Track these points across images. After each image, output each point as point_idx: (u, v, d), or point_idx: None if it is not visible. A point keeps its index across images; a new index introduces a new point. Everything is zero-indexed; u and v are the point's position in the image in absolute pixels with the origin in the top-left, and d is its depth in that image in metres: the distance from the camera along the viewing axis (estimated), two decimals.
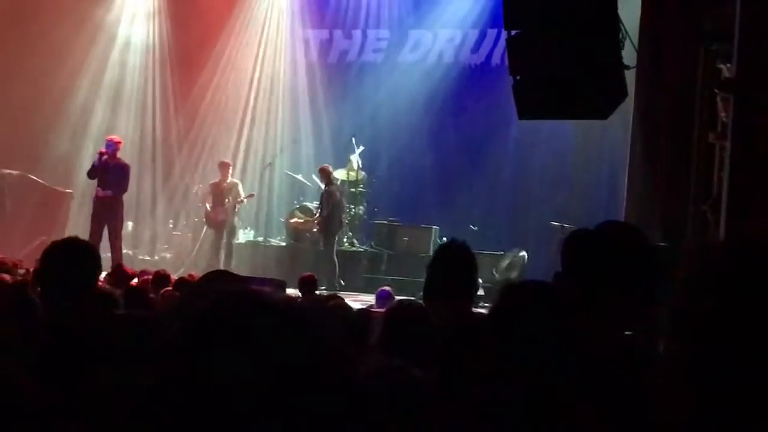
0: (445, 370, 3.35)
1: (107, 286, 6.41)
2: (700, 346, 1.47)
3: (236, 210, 18.22)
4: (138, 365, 1.63)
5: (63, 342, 3.14)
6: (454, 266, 4.76)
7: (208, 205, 18.20)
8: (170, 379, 1.34)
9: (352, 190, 18.65)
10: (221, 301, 1.41)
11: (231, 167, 18.70)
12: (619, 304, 2.93)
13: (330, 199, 17.17)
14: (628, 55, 10.91)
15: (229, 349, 1.33)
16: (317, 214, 17.86)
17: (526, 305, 2.58)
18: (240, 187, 18.32)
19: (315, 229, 17.93)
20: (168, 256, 19.55)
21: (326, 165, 17.90)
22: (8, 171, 18.30)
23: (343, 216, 17.81)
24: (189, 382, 1.32)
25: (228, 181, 18.23)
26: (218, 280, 4.46)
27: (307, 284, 9.20)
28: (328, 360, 1.38)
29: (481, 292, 15.64)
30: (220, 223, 17.96)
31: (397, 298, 9.82)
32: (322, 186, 17.70)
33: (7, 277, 7.01)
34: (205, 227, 18.50)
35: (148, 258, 19.21)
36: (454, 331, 3.63)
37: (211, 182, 18.49)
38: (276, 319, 1.38)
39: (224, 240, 18.07)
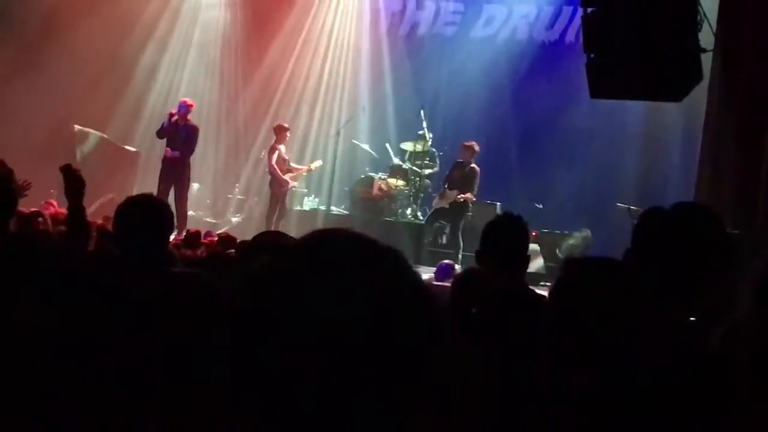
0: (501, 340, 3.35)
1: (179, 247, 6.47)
2: None
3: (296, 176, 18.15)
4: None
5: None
6: (505, 238, 4.79)
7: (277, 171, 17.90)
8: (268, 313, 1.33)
9: (418, 162, 18.58)
10: (319, 235, 1.41)
11: (288, 131, 18.40)
12: (689, 288, 2.88)
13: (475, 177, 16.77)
14: (706, 38, 10.76)
15: (328, 280, 1.32)
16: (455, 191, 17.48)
17: (593, 280, 2.55)
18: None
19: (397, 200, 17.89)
20: (234, 219, 19.68)
21: (472, 142, 17.22)
22: (79, 128, 18.50)
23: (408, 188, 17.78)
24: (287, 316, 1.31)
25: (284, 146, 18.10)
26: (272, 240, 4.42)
27: None
28: (423, 296, 1.37)
29: (543, 271, 15.67)
30: (286, 189, 17.88)
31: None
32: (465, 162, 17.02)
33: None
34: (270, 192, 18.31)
35: (213, 220, 19.35)
36: (509, 297, 3.64)
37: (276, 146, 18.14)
38: (373, 252, 1.37)
39: (285, 206, 18.00)
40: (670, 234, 2.98)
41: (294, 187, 18.16)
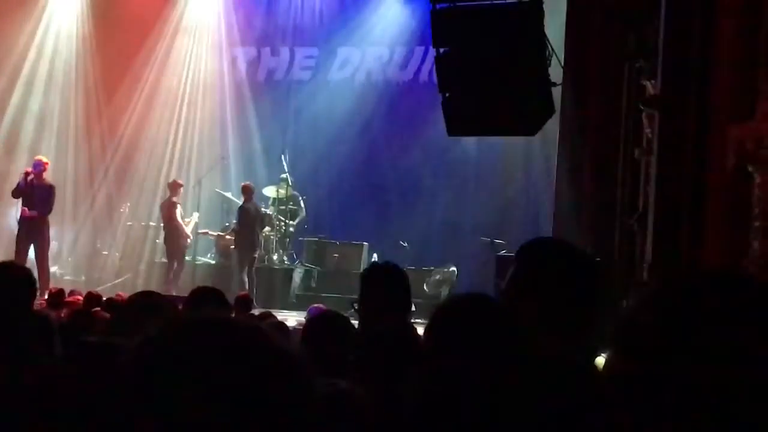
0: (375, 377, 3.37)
1: (44, 309, 6.34)
2: (643, 363, 1.48)
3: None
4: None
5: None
6: (385, 285, 4.87)
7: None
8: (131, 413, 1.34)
9: (282, 207, 18.60)
10: (171, 330, 1.41)
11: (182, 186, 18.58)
12: (562, 317, 2.92)
13: (242, 216, 17.17)
14: (555, 72, 11.06)
15: (186, 380, 1.32)
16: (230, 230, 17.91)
17: (467, 319, 2.57)
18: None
19: (232, 246, 17.87)
20: (96, 275, 19.29)
21: (248, 183, 17.82)
22: None
23: (262, 235, 17.74)
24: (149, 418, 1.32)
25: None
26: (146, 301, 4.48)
27: (242, 304, 9.16)
28: (290, 377, 1.39)
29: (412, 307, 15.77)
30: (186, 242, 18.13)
31: None
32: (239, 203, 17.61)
33: None
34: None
35: (75, 279, 18.92)
36: (388, 335, 3.68)
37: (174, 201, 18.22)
38: (233, 340, 1.39)
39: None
40: (544, 265, 3.00)
41: (190, 239, 18.08)
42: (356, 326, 5.05)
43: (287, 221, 18.61)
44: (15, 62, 20.30)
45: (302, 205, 18.89)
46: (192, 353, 1.35)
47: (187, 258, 18.85)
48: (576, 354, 2.79)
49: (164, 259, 18.59)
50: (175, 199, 17.98)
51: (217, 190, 19.58)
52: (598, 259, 10.14)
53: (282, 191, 18.58)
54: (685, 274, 1.68)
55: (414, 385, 2.32)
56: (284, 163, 18.70)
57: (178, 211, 17.99)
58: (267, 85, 21.22)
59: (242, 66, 21.29)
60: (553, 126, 12.21)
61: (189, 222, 18.35)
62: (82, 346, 3.31)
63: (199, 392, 1.31)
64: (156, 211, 19.28)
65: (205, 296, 5.38)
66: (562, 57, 11.65)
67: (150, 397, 1.32)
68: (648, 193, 9.78)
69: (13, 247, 15.76)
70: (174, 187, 18.22)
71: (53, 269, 17.35)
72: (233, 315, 7.10)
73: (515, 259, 3.09)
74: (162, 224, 18.26)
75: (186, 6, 21.31)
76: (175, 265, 17.78)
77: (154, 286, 15.15)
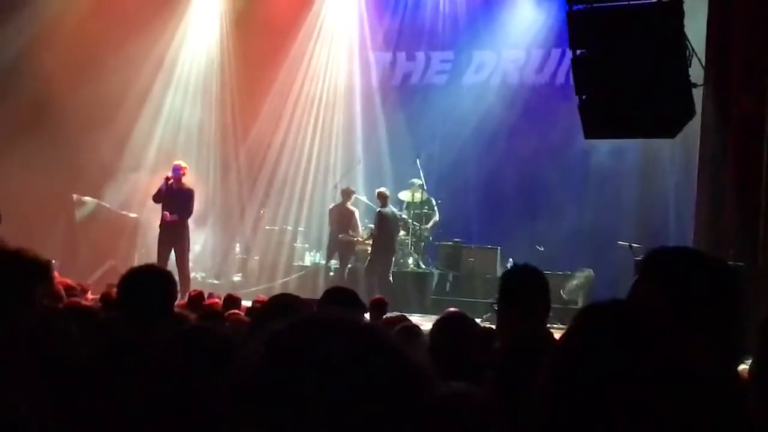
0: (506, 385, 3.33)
1: (184, 311, 6.46)
2: None
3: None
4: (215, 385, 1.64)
5: (146, 362, 3.18)
6: (525, 288, 4.80)
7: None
8: (250, 407, 1.36)
9: (417, 211, 18.67)
10: (298, 326, 1.43)
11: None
12: (701, 330, 2.81)
13: (380, 220, 17.32)
14: (695, 72, 10.83)
15: (308, 373, 1.34)
16: (369, 236, 18.05)
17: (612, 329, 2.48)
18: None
19: (367, 248, 18.02)
20: (236, 279, 19.67)
21: (383, 189, 18.00)
22: (78, 197, 18.59)
23: (398, 239, 17.86)
24: (268, 409, 1.33)
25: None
26: (284, 303, 4.57)
27: (377, 307, 9.17)
28: (409, 383, 1.38)
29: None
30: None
31: None
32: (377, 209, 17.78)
33: (80, 300, 7.09)
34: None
35: (216, 281, 19.32)
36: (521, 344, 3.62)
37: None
38: (355, 342, 1.39)
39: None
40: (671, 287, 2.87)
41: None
42: (493, 329, 5.01)
43: (422, 225, 18.67)
44: (152, 70, 20.81)
45: (436, 209, 18.92)
46: (312, 351, 1.36)
47: (321, 262, 19.14)
48: (719, 364, 2.69)
49: (318, 262, 19.31)
50: (349, 205, 18.50)
51: (357, 196, 19.66)
52: (741, 264, 9.88)
53: (417, 195, 18.65)
54: None
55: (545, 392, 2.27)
56: (419, 167, 18.76)
57: (357, 215, 18.57)
58: (402, 89, 21.32)
59: (378, 71, 21.44)
60: (693, 128, 11.95)
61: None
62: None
63: (315, 391, 1.32)
64: (293, 215, 19.67)
65: (340, 297, 5.42)
66: (702, 57, 11.39)
67: (269, 391, 1.34)
68: None
69: (155, 251, 16.15)
70: (348, 194, 18.67)
71: (194, 274, 17.73)
72: (367, 317, 7.16)
73: (640, 271, 2.97)
74: (332, 229, 18.68)
75: (323, 12, 21.56)
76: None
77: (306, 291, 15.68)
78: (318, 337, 1.39)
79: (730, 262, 10.07)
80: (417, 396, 1.38)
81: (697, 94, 11.11)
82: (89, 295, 9.94)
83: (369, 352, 1.38)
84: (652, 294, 2.82)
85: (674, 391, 2.18)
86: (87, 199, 18.73)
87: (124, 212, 19.10)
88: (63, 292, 7.02)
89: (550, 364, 2.33)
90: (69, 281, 9.16)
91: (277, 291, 15.84)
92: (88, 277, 15.56)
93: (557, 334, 3.02)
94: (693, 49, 10.60)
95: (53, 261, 11.65)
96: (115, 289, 4.78)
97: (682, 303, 2.73)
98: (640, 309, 2.57)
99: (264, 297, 10.04)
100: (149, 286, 4.26)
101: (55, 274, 11.32)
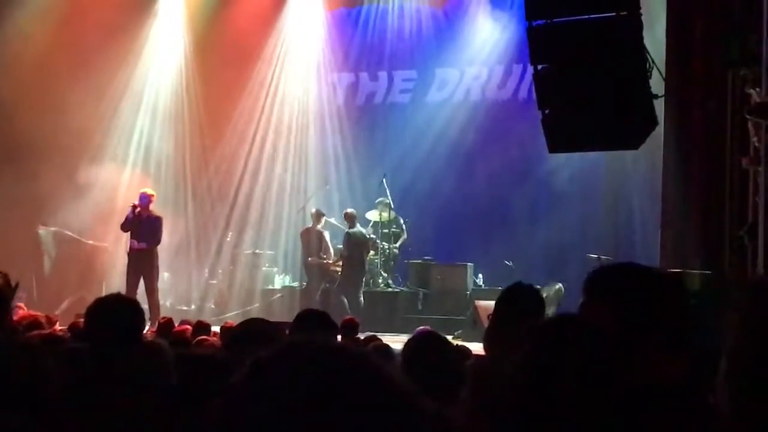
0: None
1: (156, 338, 6.44)
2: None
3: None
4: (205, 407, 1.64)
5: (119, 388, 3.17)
6: (523, 308, 4.72)
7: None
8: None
9: (385, 230, 18.70)
10: (281, 355, 1.43)
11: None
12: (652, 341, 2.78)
13: (349, 241, 17.38)
14: (656, 84, 10.90)
15: (295, 404, 1.34)
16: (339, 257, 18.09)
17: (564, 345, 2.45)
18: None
19: (338, 270, 18.03)
20: (207, 305, 19.59)
21: (351, 210, 18.10)
22: (44, 229, 18.48)
23: (367, 259, 17.86)
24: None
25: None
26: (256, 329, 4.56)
27: (348, 328, 9.18)
28: (399, 405, 1.39)
29: None
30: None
31: None
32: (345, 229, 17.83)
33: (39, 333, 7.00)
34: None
35: (186, 308, 19.23)
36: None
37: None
38: (343, 369, 1.39)
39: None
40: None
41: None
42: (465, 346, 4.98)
43: (390, 244, 18.69)
44: (116, 98, 20.70)
45: (404, 227, 18.95)
46: (297, 378, 1.36)
47: (293, 284, 19.12)
48: (679, 375, 2.70)
49: (288, 285, 19.36)
50: (319, 227, 18.57)
51: (326, 218, 19.60)
52: (707, 272, 9.95)
53: (384, 214, 18.67)
54: None
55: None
56: (385, 186, 18.79)
57: (327, 237, 18.64)
58: (366, 109, 21.38)
59: (341, 91, 21.48)
60: (656, 138, 12.03)
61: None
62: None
63: (302, 417, 1.32)
64: (263, 239, 19.71)
65: (312, 319, 5.42)
66: (662, 68, 11.47)
67: (254, 421, 1.34)
68: (757, 204, 9.56)
69: (124, 280, 16.04)
70: (318, 216, 18.72)
71: (164, 301, 17.61)
72: (339, 338, 7.14)
73: (584, 292, 2.97)
74: (304, 252, 18.71)
75: (285, 34, 21.53)
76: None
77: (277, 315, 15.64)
78: (302, 366, 1.39)
79: (696, 271, 10.17)
80: (409, 417, 1.39)
81: (659, 105, 11.18)
82: (57, 327, 9.82)
83: (359, 380, 1.39)
84: (598, 313, 2.82)
85: (627, 404, 2.19)
86: (52, 229, 18.62)
87: (92, 241, 18.98)
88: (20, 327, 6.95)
89: (510, 383, 2.35)
90: (36, 313, 9.09)
91: (252, 315, 15.79)
92: (55, 309, 15.46)
93: None
94: (653, 60, 10.66)
95: (21, 294, 11.50)
96: (82, 320, 4.76)
97: (625, 318, 2.73)
98: (587, 323, 2.57)
99: (232, 322, 10.02)
100: (116, 315, 4.26)
101: (22, 306, 11.27)
